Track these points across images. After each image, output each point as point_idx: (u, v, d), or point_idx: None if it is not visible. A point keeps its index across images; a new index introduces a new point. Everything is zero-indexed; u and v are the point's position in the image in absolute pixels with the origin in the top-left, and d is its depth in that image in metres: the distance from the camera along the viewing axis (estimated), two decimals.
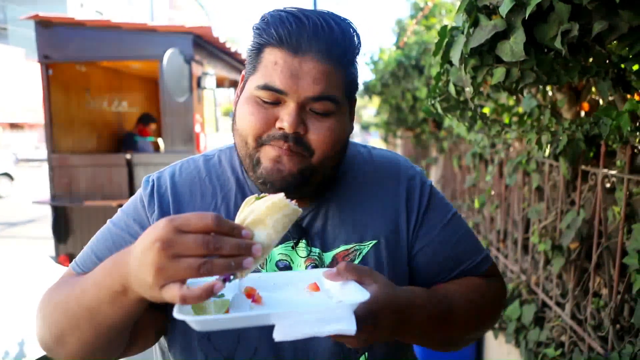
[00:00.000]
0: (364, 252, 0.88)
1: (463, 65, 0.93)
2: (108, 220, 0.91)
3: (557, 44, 0.77)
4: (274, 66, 0.78)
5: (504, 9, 0.79)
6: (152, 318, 0.85)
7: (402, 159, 0.98)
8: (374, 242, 0.88)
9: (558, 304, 1.97)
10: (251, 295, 0.68)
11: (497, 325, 2.46)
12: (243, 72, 0.89)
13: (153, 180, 0.91)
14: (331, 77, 0.79)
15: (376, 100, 7.17)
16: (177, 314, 0.59)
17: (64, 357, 0.79)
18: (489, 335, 2.78)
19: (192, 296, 0.58)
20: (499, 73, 0.90)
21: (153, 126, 6.28)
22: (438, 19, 4.59)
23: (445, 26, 1.02)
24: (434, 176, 5.67)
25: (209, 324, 0.60)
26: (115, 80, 6.28)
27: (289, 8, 0.81)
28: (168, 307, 0.85)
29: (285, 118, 0.78)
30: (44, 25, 4.76)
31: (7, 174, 13.52)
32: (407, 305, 0.73)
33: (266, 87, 0.78)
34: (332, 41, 0.79)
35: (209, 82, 5.16)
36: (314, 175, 0.83)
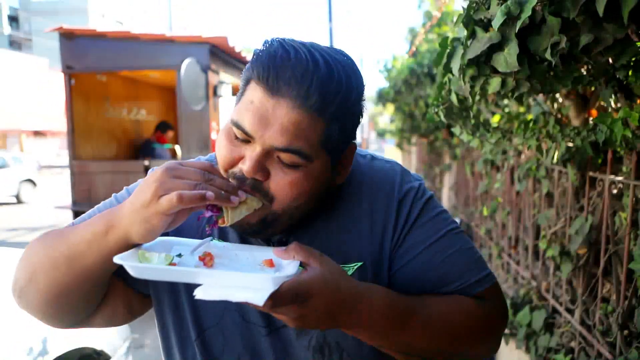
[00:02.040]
0: (349, 273, 0.83)
1: (462, 75, 0.97)
2: (113, 194, 0.95)
3: (548, 55, 0.81)
4: (249, 105, 0.74)
5: (496, 23, 0.83)
6: (122, 290, 0.89)
7: (399, 172, 0.91)
8: (359, 264, 0.86)
9: (568, 309, 1.97)
10: (203, 259, 0.73)
11: (507, 331, 2.46)
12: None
13: None
14: (303, 128, 0.72)
15: (391, 107, 7.21)
16: (117, 259, 0.66)
17: (31, 298, 0.81)
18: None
19: (189, 195, 0.66)
20: (495, 83, 0.94)
21: (170, 134, 6.42)
22: (450, 27, 4.63)
23: (447, 37, 1.07)
24: (447, 183, 5.67)
25: (141, 271, 0.67)
26: (134, 89, 6.46)
27: (288, 40, 0.75)
28: (140, 283, 0.89)
29: (247, 161, 0.74)
30: (67, 36, 4.95)
31: (30, 180, 13.90)
32: (352, 296, 0.70)
33: (236, 125, 0.75)
34: (314, 87, 0.70)
35: (225, 90, 5.28)
36: (277, 221, 0.79)
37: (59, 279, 0.77)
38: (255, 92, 0.74)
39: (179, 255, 0.74)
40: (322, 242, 0.86)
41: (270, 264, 0.74)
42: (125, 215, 0.71)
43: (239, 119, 0.75)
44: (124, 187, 0.95)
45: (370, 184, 0.89)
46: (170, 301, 0.90)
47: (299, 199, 0.77)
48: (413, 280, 0.85)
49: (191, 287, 0.87)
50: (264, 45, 0.75)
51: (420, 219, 0.87)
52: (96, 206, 0.94)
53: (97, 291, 0.84)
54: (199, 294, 0.62)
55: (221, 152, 0.78)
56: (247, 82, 0.77)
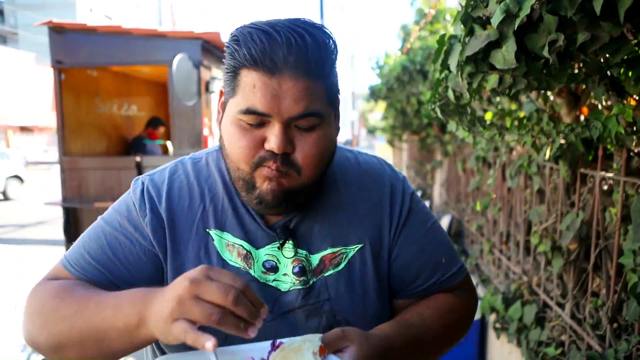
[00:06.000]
0: (350, 255, 0.91)
1: (460, 71, 0.99)
2: (99, 218, 0.91)
3: (545, 53, 0.83)
4: (253, 90, 0.76)
5: (495, 20, 0.85)
6: None
7: (386, 165, 1.00)
8: (360, 245, 0.91)
9: (559, 304, 2.01)
10: None
11: (499, 326, 2.50)
12: (221, 88, 0.88)
13: (142, 183, 0.91)
14: (311, 92, 0.78)
15: (382, 104, 7.22)
16: None
17: None
18: (492, 335, 2.82)
19: (194, 337, 0.64)
20: (493, 79, 0.96)
21: (162, 129, 6.37)
22: (442, 24, 4.65)
23: (444, 35, 1.08)
24: (438, 180, 5.71)
25: None
26: (125, 85, 6.39)
27: (259, 23, 0.78)
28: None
29: (273, 140, 0.77)
30: (57, 31, 4.87)
31: (17, 177, 13.71)
32: (383, 351, 0.79)
33: (249, 112, 0.77)
34: (308, 55, 0.76)
35: (217, 86, 5.25)
36: (299, 193, 0.84)
37: (89, 354, 0.78)
38: (252, 78, 0.76)
39: None
40: (324, 223, 0.91)
41: None
42: (152, 318, 0.70)
43: (249, 105, 0.77)
44: (110, 207, 0.92)
45: (362, 174, 0.97)
46: None
47: (322, 159, 0.83)
48: (410, 266, 0.93)
49: None
50: (233, 37, 0.78)
51: (413, 209, 0.95)
52: (86, 234, 0.90)
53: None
54: None
55: (240, 143, 0.79)
56: (235, 73, 0.79)
